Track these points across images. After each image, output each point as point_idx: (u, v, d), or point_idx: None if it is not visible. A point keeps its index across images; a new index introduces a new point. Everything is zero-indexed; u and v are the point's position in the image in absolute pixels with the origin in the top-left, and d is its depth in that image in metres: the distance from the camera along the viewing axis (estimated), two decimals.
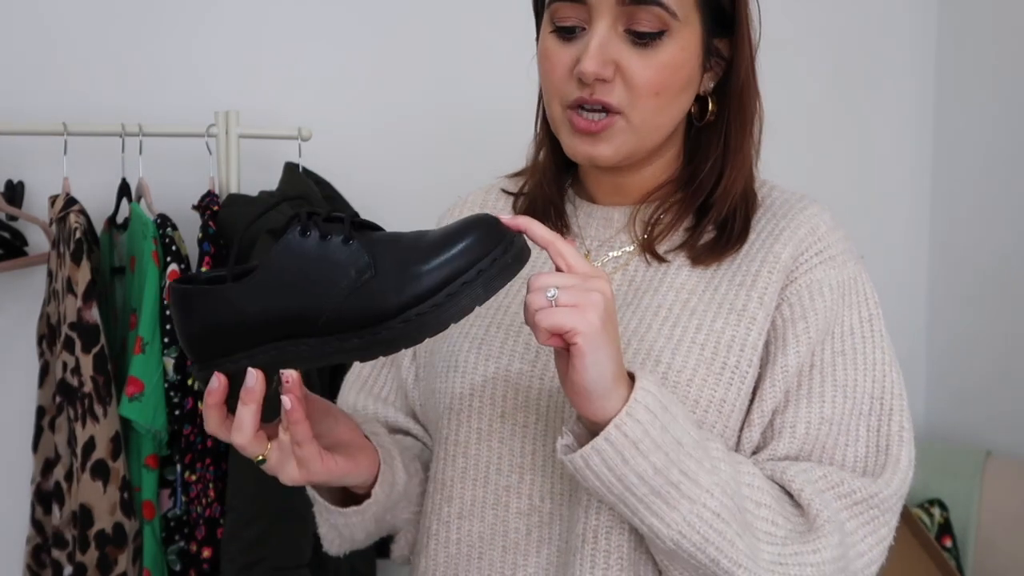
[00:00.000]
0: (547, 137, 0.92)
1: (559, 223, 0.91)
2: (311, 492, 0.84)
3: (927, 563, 1.78)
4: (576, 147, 0.83)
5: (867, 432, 0.80)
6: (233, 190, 1.63)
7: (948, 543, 1.87)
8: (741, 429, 0.81)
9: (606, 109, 0.80)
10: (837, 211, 2.36)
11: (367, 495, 0.82)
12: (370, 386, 0.98)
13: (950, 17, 2.23)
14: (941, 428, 2.27)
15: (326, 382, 1.55)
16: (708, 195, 0.85)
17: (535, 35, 0.88)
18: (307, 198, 1.59)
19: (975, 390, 2.17)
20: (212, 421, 0.71)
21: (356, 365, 1.00)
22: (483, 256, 0.66)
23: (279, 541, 1.41)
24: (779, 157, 2.40)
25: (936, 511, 1.90)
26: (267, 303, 0.68)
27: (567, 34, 0.81)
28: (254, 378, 0.68)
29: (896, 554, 1.87)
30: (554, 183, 0.92)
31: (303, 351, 0.69)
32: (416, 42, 1.90)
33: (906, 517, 1.84)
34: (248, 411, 0.69)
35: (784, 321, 0.81)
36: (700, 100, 0.86)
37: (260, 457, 0.72)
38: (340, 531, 0.86)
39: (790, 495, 0.77)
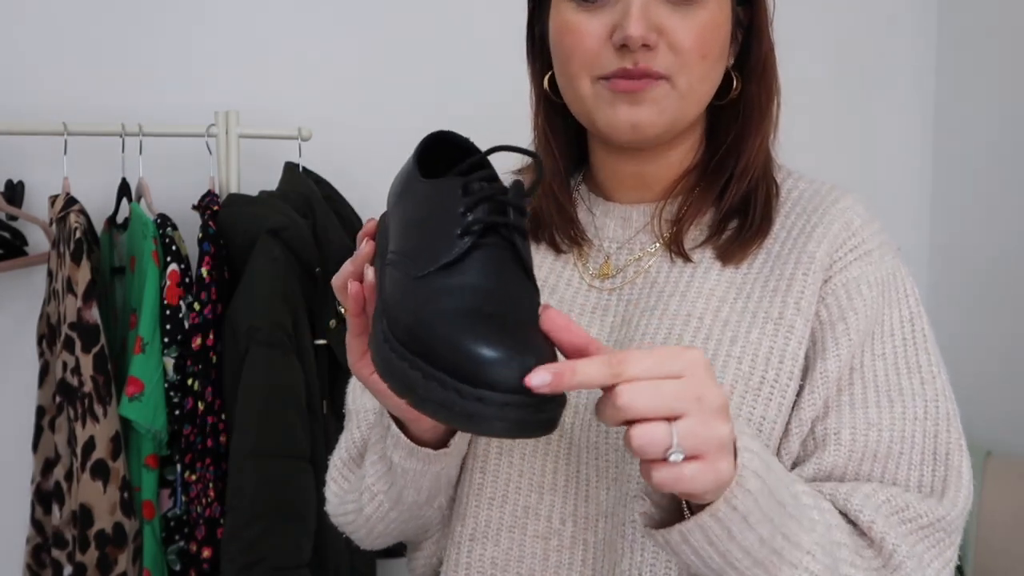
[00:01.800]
0: (549, 126, 0.85)
1: (572, 232, 0.84)
2: (384, 416, 0.74)
3: None
4: (618, 115, 0.74)
5: (923, 439, 0.73)
6: (233, 190, 1.63)
7: None
8: (780, 442, 0.74)
9: (650, 75, 0.73)
10: None
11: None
12: None
13: (950, 17, 2.23)
14: None
15: (326, 386, 1.55)
16: (728, 179, 0.80)
17: (526, 35, 0.85)
18: (307, 198, 1.59)
19: (975, 390, 2.17)
20: (357, 262, 0.66)
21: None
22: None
23: (279, 541, 1.41)
24: (780, 157, 2.40)
25: None
26: (404, 222, 0.63)
27: (591, 3, 0.74)
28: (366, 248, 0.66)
29: None
30: (560, 177, 0.85)
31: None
32: (416, 42, 1.90)
33: None
34: (360, 258, 0.66)
35: (821, 324, 0.74)
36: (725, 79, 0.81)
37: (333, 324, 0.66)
38: (395, 478, 0.75)
39: (855, 524, 0.69)
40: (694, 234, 0.80)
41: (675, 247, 0.79)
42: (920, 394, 0.74)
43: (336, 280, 0.66)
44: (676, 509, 0.62)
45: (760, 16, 0.80)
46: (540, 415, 0.53)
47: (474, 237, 0.58)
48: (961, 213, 2.21)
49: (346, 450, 0.85)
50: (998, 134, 2.09)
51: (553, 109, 0.84)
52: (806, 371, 0.74)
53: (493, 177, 0.61)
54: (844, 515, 0.69)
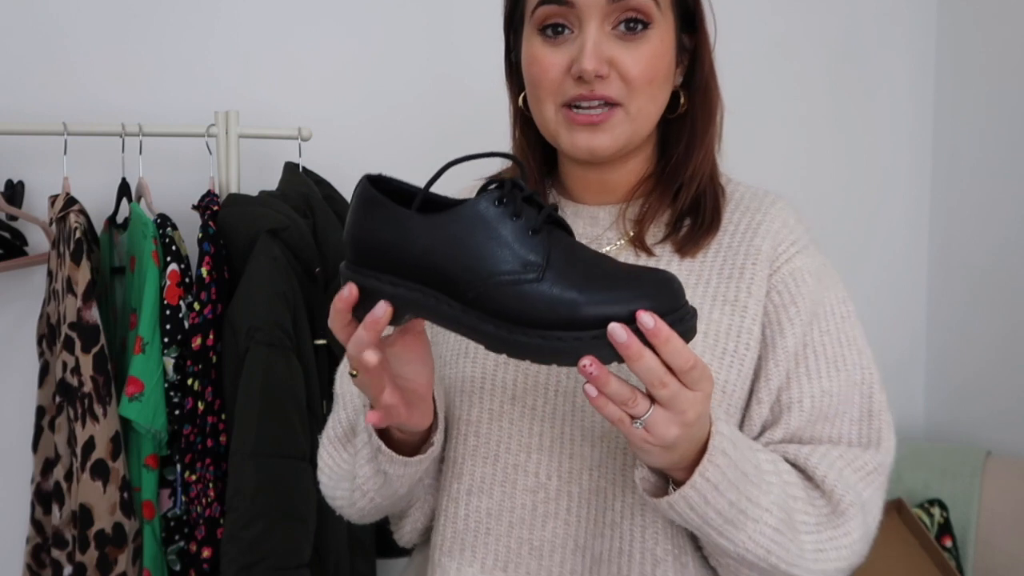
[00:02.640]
0: (524, 139, 0.97)
1: None
2: (373, 439, 0.84)
3: (927, 563, 1.78)
4: (577, 141, 0.87)
5: (861, 400, 0.89)
6: (233, 190, 1.64)
7: (948, 543, 1.87)
8: (747, 407, 0.88)
9: (606, 103, 0.85)
10: (837, 211, 2.35)
11: (416, 452, 0.86)
12: None
13: (950, 18, 2.23)
14: (941, 428, 2.27)
15: (325, 386, 1.55)
16: (681, 183, 0.92)
17: (504, 58, 0.96)
18: (307, 198, 1.59)
19: (975, 390, 2.17)
20: (336, 321, 0.72)
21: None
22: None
23: (279, 541, 1.40)
24: (780, 157, 2.41)
25: (936, 511, 1.90)
26: (433, 248, 0.67)
27: (554, 37, 0.87)
28: (383, 310, 0.69)
29: (896, 554, 1.88)
30: (535, 183, 0.97)
31: (443, 310, 0.68)
32: (416, 42, 1.90)
33: (906, 517, 1.85)
34: (368, 336, 0.70)
35: (775, 308, 0.88)
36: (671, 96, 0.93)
37: (354, 372, 0.74)
38: (391, 483, 0.87)
39: (810, 478, 0.84)
40: (654, 231, 0.92)
41: (639, 242, 0.91)
42: (856, 363, 0.89)
43: (354, 350, 0.71)
44: (665, 476, 0.78)
45: (702, 42, 0.92)
46: (678, 326, 0.66)
47: (547, 230, 0.68)
48: (960, 213, 2.21)
49: (332, 429, 0.96)
50: (997, 134, 2.09)
51: (528, 124, 0.96)
52: (763, 345, 0.88)
53: (507, 184, 0.70)
54: (803, 471, 0.84)
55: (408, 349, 0.76)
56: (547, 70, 0.87)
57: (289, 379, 1.45)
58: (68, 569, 1.47)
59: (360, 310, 0.70)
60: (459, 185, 1.02)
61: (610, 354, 0.64)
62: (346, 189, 1.71)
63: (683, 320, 0.66)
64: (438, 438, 0.86)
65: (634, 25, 0.85)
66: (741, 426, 0.88)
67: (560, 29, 0.86)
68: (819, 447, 0.85)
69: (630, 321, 0.64)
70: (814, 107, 2.19)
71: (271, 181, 1.65)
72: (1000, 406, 2.09)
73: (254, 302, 1.45)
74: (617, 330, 0.64)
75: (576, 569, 0.87)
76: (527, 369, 0.89)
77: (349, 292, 0.70)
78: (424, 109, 1.89)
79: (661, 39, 0.87)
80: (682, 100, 0.92)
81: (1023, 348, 2.04)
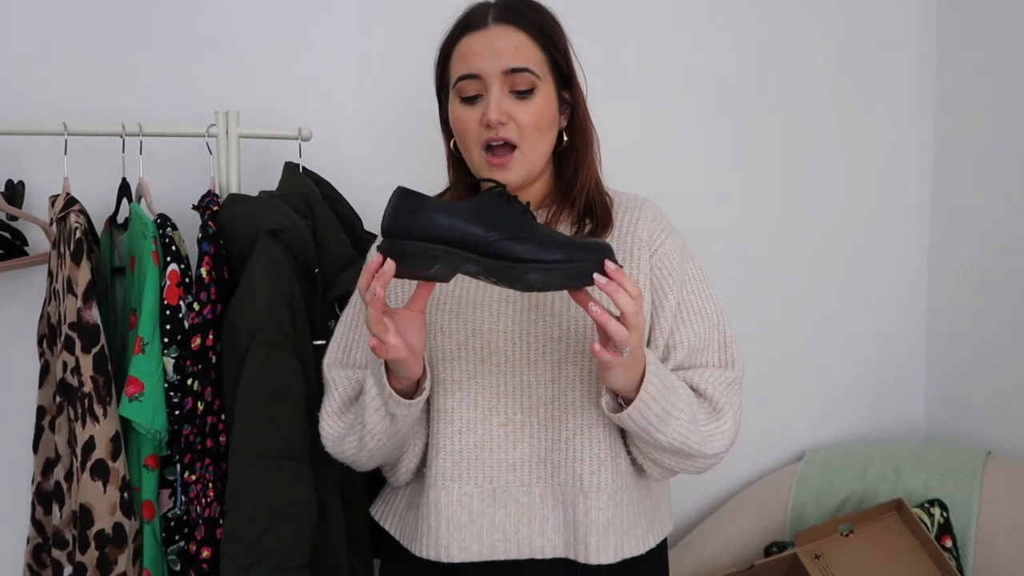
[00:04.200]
0: (456, 172, 1.32)
1: None
2: (385, 388, 1.15)
3: (927, 563, 1.78)
4: (493, 175, 1.23)
5: (718, 335, 1.27)
6: (233, 190, 1.64)
7: (948, 543, 1.87)
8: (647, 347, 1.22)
9: (507, 144, 1.21)
10: (837, 211, 2.35)
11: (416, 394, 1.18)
12: (346, 362, 1.32)
13: (950, 18, 2.23)
14: (941, 428, 2.27)
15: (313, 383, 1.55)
16: (574, 197, 1.27)
17: (439, 114, 1.32)
18: (307, 198, 1.59)
19: (975, 390, 2.17)
20: (364, 279, 1.06)
21: (332, 348, 1.34)
22: (582, 262, 1.03)
23: (278, 541, 1.41)
24: (780, 157, 2.40)
25: (936, 511, 1.90)
26: (455, 223, 1.03)
27: (471, 102, 1.23)
28: (390, 266, 1.03)
29: (896, 554, 1.88)
30: None
31: (464, 258, 1.03)
32: (416, 42, 1.90)
33: (906, 517, 1.85)
34: (379, 286, 1.04)
35: (658, 280, 1.26)
36: (559, 136, 1.28)
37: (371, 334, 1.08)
38: (396, 422, 1.18)
39: (696, 390, 1.23)
40: (562, 231, 1.26)
41: None
42: (713, 311, 1.28)
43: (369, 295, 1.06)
44: (618, 403, 1.17)
45: (576, 95, 1.28)
46: (586, 275, 1.04)
47: (529, 218, 1.08)
48: (960, 213, 2.21)
49: (328, 407, 1.30)
50: (998, 134, 2.09)
51: (457, 161, 1.31)
52: (655, 306, 1.25)
53: (502, 189, 1.10)
54: (692, 387, 1.23)
55: (411, 319, 1.11)
56: (467, 123, 1.22)
57: (289, 379, 1.45)
58: (68, 569, 1.47)
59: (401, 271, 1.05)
60: (432, 192, 1.31)
61: (561, 282, 1.04)
62: (346, 189, 1.71)
63: (590, 274, 1.04)
64: (427, 384, 1.17)
65: (523, 93, 1.21)
66: None
67: (475, 98, 1.22)
68: (697, 370, 1.25)
69: (599, 270, 1.03)
70: (814, 107, 2.18)
71: (271, 181, 1.65)
72: (1000, 406, 2.09)
73: (254, 302, 1.45)
74: (599, 278, 1.03)
75: (542, 476, 1.23)
76: (488, 338, 1.23)
77: (387, 265, 1.03)
78: (424, 109, 1.88)
79: (544, 96, 1.22)
80: (566, 138, 1.28)
81: (1023, 348, 2.04)
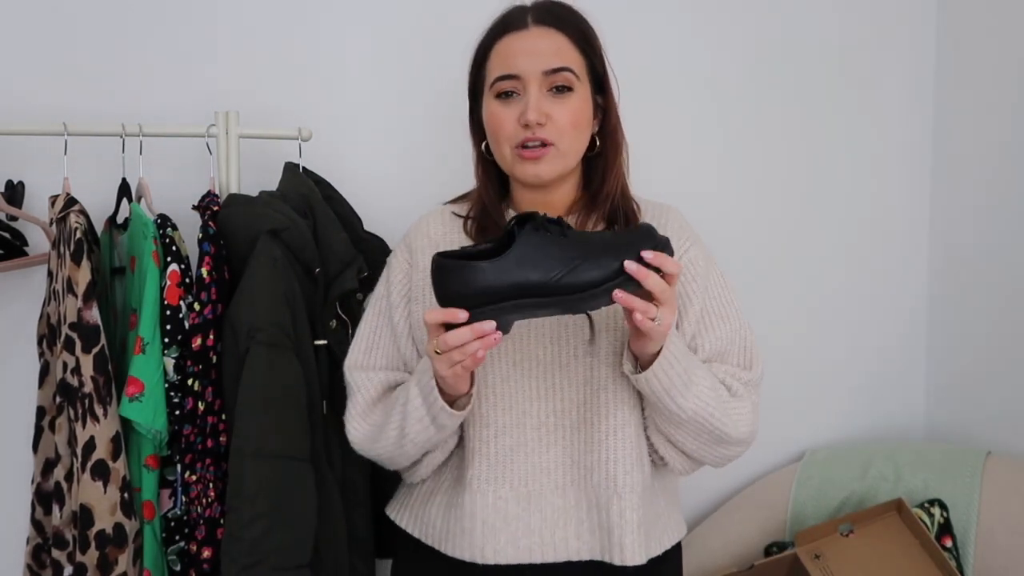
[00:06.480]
0: (486, 175, 1.32)
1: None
2: (437, 402, 1.16)
3: (927, 563, 1.78)
4: (527, 170, 1.24)
5: (740, 338, 1.31)
6: (233, 190, 1.64)
7: (948, 543, 1.87)
8: None
9: (544, 143, 1.22)
10: (837, 210, 2.34)
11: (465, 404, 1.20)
12: (367, 365, 1.34)
13: (950, 17, 2.23)
14: (941, 428, 2.27)
15: (325, 386, 1.55)
16: (600, 201, 1.29)
17: (468, 116, 1.32)
18: (307, 198, 1.59)
19: (975, 390, 2.17)
20: (456, 340, 1.05)
21: (353, 351, 1.36)
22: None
23: (279, 541, 1.41)
24: (780, 157, 2.40)
25: (936, 511, 1.90)
26: (512, 277, 1.04)
27: (506, 99, 1.24)
28: (500, 336, 1.05)
29: (896, 554, 1.87)
30: (495, 206, 1.32)
31: (534, 304, 1.05)
32: (416, 42, 1.90)
33: (906, 517, 1.85)
34: (476, 347, 1.05)
35: (683, 284, 1.29)
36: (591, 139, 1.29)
37: (438, 352, 1.09)
38: (442, 431, 1.21)
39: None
40: None
41: None
42: (734, 315, 1.31)
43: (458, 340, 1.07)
44: (638, 370, 1.17)
45: (609, 101, 1.29)
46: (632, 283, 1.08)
47: (567, 230, 1.10)
48: (961, 213, 2.21)
49: (354, 409, 1.31)
50: (997, 134, 2.09)
51: (487, 163, 1.32)
52: (679, 313, 1.27)
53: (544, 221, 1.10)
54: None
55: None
56: (503, 122, 1.23)
57: (289, 379, 1.45)
58: (68, 569, 1.47)
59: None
60: (422, 211, 1.38)
61: (634, 286, 1.06)
62: (346, 189, 1.71)
63: (666, 246, 1.09)
64: (474, 393, 1.19)
65: (561, 89, 1.22)
66: None
67: (510, 94, 1.23)
68: (720, 366, 1.29)
69: (639, 259, 1.06)
70: (814, 107, 2.18)
71: (271, 181, 1.65)
72: (1000, 406, 2.09)
73: (254, 302, 1.45)
74: (630, 266, 1.05)
75: (575, 478, 1.24)
76: (519, 344, 1.25)
77: (493, 331, 1.04)
78: (424, 109, 1.89)
79: (581, 98, 1.24)
80: (598, 143, 1.29)
81: (1023, 348, 2.04)
